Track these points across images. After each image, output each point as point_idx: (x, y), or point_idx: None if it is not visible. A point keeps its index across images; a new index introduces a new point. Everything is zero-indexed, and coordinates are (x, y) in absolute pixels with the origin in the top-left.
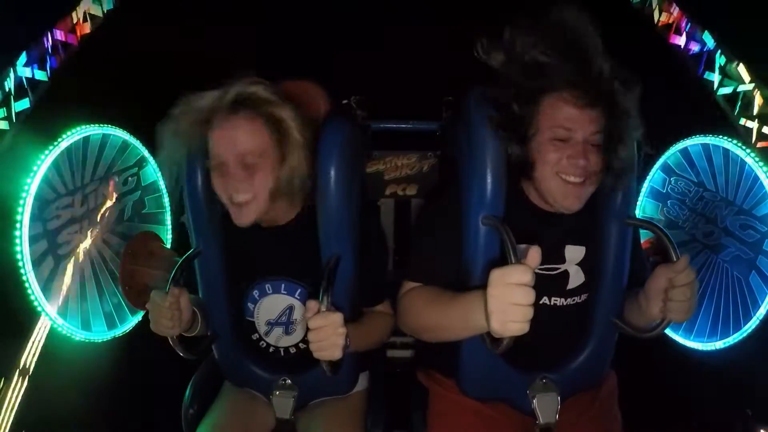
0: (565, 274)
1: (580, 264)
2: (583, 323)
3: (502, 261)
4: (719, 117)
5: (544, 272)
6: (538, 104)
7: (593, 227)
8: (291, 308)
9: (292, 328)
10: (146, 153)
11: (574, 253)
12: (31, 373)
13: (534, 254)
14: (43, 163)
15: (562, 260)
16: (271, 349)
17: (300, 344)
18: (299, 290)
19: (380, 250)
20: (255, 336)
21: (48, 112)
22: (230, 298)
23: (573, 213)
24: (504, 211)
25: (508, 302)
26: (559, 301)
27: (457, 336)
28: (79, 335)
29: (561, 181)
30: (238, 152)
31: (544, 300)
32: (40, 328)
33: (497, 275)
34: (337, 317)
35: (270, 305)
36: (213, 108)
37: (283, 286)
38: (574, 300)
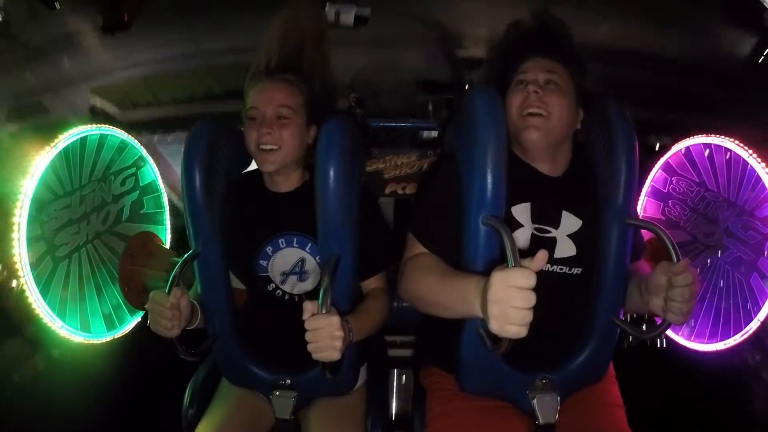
0: (553, 241)
1: (573, 236)
2: (580, 308)
3: (502, 261)
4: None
5: (535, 233)
6: (514, 70)
7: (593, 207)
8: (303, 260)
9: (305, 277)
10: (144, 153)
11: (570, 222)
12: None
13: (540, 257)
14: (41, 164)
15: (556, 225)
16: (286, 297)
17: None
18: (309, 244)
19: (378, 225)
20: (271, 286)
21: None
22: (230, 298)
23: (566, 180)
24: (505, 211)
25: (509, 305)
26: (546, 267)
27: (449, 315)
28: (78, 336)
29: (522, 117)
30: (275, 106)
31: None
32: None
33: (499, 277)
34: (335, 319)
35: (283, 259)
36: (259, 74)
37: (295, 240)
38: (562, 269)
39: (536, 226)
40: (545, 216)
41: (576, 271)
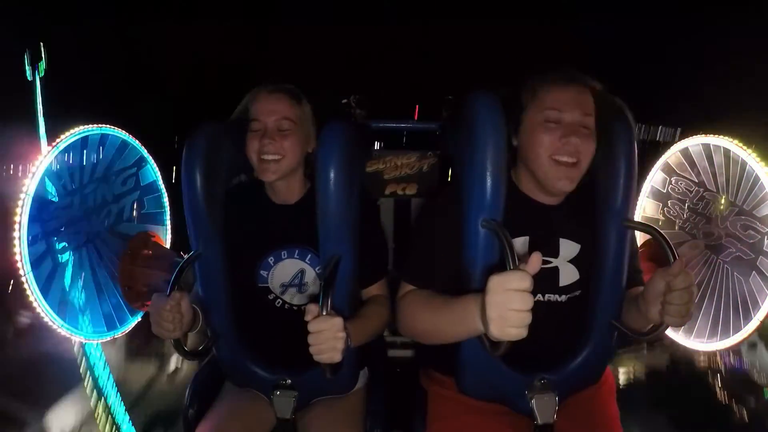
0: (556, 270)
1: (574, 261)
2: (580, 322)
3: (501, 264)
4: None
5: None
6: (533, 94)
7: (590, 227)
8: (302, 272)
9: (304, 289)
10: (145, 153)
11: (568, 248)
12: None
13: (535, 260)
14: (42, 164)
15: (556, 254)
16: (286, 306)
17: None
18: (309, 255)
19: (377, 233)
20: (271, 296)
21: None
22: (230, 299)
23: (564, 207)
24: (503, 213)
25: (507, 308)
26: (553, 297)
27: (454, 339)
28: (78, 336)
29: (554, 163)
30: (276, 118)
31: (538, 297)
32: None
33: (496, 281)
34: (337, 321)
35: (283, 270)
36: (261, 88)
37: (297, 251)
38: (568, 296)
39: None
40: (544, 247)
41: (578, 293)
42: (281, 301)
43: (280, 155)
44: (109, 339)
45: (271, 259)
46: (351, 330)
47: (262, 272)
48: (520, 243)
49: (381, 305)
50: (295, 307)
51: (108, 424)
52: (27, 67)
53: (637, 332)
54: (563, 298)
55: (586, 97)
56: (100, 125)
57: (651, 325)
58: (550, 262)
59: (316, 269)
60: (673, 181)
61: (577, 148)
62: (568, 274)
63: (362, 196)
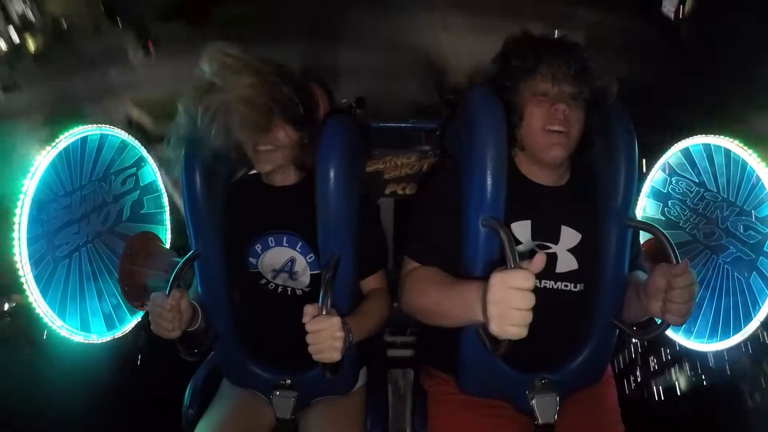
0: (554, 257)
1: (573, 250)
2: (580, 321)
3: (502, 261)
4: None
5: (536, 251)
6: (522, 83)
7: (592, 219)
8: (293, 260)
9: (295, 276)
10: (144, 153)
11: (569, 236)
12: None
13: (538, 260)
14: (41, 164)
15: (556, 240)
16: (279, 290)
17: (306, 288)
18: (300, 243)
19: (377, 229)
20: (263, 281)
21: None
22: (230, 298)
23: (566, 191)
24: (504, 212)
25: (508, 306)
26: (549, 284)
27: (456, 323)
28: (78, 336)
29: (546, 132)
30: None
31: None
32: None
33: (498, 280)
34: (336, 320)
35: (273, 257)
36: None
37: (285, 239)
38: (566, 286)
39: (536, 243)
40: (545, 232)
41: (579, 287)
42: (274, 285)
43: (273, 145)
44: (108, 339)
45: (258, 247)
46: (351, 326)
47: (251, 260)
48: (522, 227)
49: (380, 299)
50: (289, 291)
51: None
52: None
53: (638, 332)
54: (559, 285)
55: (571, 73)
56: (99, 125)
57: (649, 319)
58: (549, 248)
59: (307, 258)
60: (674, 181)
61: (565, 115)
62: (566, 263)
63: (362, 195)
